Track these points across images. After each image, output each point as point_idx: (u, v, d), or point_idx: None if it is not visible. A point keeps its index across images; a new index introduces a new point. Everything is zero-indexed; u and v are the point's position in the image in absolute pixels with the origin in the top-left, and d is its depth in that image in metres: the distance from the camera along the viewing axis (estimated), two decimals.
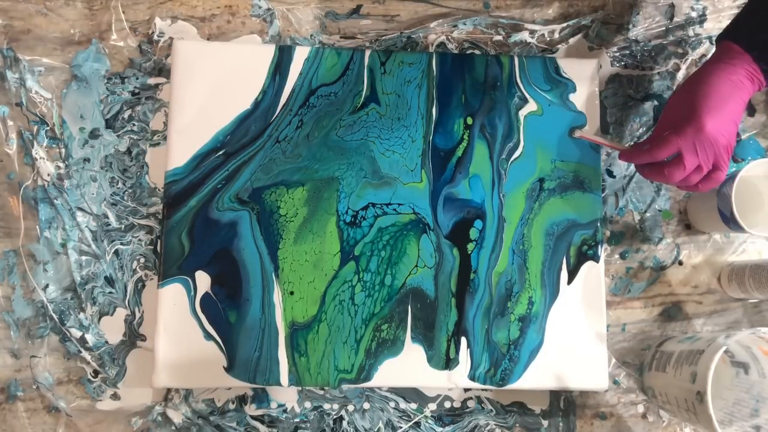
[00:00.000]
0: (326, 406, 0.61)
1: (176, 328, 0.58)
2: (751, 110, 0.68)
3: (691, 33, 0.68)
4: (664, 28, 0.68)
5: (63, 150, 0.62)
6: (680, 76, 0.68)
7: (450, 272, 0.60)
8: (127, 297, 0.61)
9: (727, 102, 0.52)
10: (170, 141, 0.61)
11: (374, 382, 0.59)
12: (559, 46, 0.67)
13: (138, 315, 0.61)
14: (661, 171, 0.54)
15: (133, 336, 0.61)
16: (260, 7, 0.66)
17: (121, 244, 0.62)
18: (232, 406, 0.61)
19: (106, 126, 0.63)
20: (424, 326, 0.60)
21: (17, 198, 0.62)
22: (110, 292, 0.61)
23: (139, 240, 0.62)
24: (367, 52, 0.64)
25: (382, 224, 0.61)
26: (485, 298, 0.60)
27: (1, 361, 0.60)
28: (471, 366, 0.59)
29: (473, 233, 0.61)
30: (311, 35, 0.66)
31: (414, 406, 0.62)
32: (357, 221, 0.61)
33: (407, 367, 0.59)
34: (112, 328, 0.61)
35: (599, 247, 0.62)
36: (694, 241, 0.66)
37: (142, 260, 0.62)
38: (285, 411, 0.61)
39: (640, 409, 0.63)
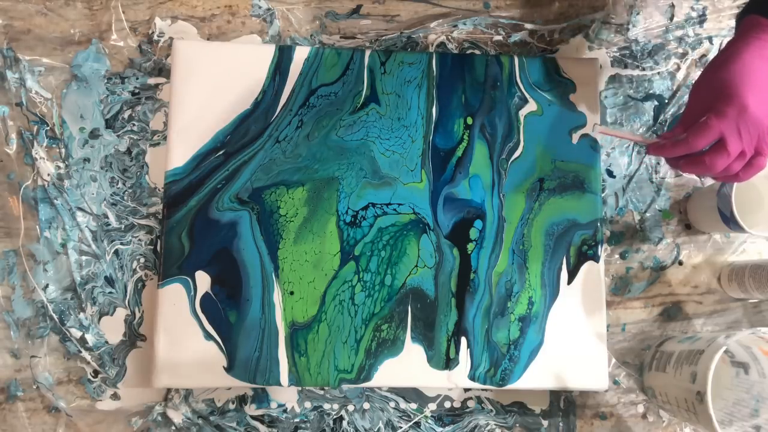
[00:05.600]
0: (326, 406, 0.61)
1: (176, 328, 0.58)
2: None
3: (691, 33, 0.68)
4: (664, 28, 0.68)
5: (63, 150, 0.62)
6: (680, 76, 0.68)
7: (450, 272, 0.60)
8: (127, 297, 0.61)
9: (765, 79, 0.47)
10: (170, 141, 0.61)
11: (374, 382, 0.59)
12: (559, 46, 0.67)
13: (138, 315, 0.61)
14: (700, 162, 0.49)
15: (133, 336, 0.61)
16: (260, 7, 0.66)
17: (121, 244, 0.62)
18: (232, 406, 0.61)
19: (106, 126, 0.63)
20: (424, 326, 0.60)
21: (17, 198, 0.62)
22: (110, 292, 0.61)
23: (139, 240, 0.62)
24: (367, 52, 0.64)
25: (382, 224, 0.61)
26: (485, 298, 0.60)
27: (1, 361, 0.60)
28: (471, 366, 0.59)
29: (473, 233, 0.61)
30: (311, 35, 0.66)
31: (414, 406, 0.62)
32: (357, 221, 0.61)
33: (407, 367, 0.59)
34: (112, 328, 0.61)
35: (599, 247, 0.62)
36: (694, 241, 0.66)
37: (142, 260, 0.62)
38: (285, 411, 0.61)
39: (640, 409, 0.63)
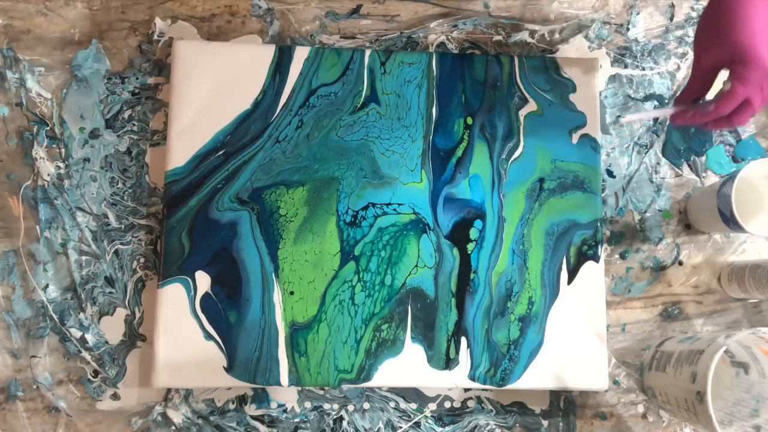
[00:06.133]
0: (326, 406, 0.61)
1: (176, 328, 0.58)
2: None
3: (691, 33, 0.68)
4: (664, 28, 0.68)
5: (63, 150, 0.62)
6: (680, 76, 0.68)
7: (450, 272, 0.60)
8: (127, 297, 0.61)
9: None
10: (170, 141, 0.61)
11: (374, 382, 0.59)
12: (559, 46, 0.67)
13: (138, 315, 0.61)
14: (728, 121, 0.51)
15: (133, 336, 0.61)
16: (260, 7, 0.66)
17: (121, 244, 0.62)
18: (232, 406, 0.61)
19: (106, 126, 0.63)
20: (424, 326, 0.60)
21: (17, 198, 0.62)
22: (110, 292, 0.61)
23: (139, 240, 0.62)
24: (367, 52, 0.64)
25: (382, 224, 0.61)
26: (485, 298, 0.60)
27: (1, 361, 0.60)
28: (471, 366, 0.59)
29: (473, 233, 0.61)
30: (311, 35, 0.66)
31: (414, 406, 0.62)
32: (357, 221, 0.61)
33: (407, 367, 0.59)
34: (112, 328, 0.61)
35: (599, 247, 0.62)
36: (694, 241, 0.66)
37: (142, 260, 0.62)
38: (285, 411, 0.61)
39: (640, 409, 0.63)
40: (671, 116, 0.55)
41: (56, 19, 0.64)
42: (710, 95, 0.53)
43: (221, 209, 0.60)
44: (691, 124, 0.54)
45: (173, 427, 0.60)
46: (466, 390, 0.62)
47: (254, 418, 0.61)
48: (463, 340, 0.60)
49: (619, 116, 0.63)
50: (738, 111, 0.50)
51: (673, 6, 0.69)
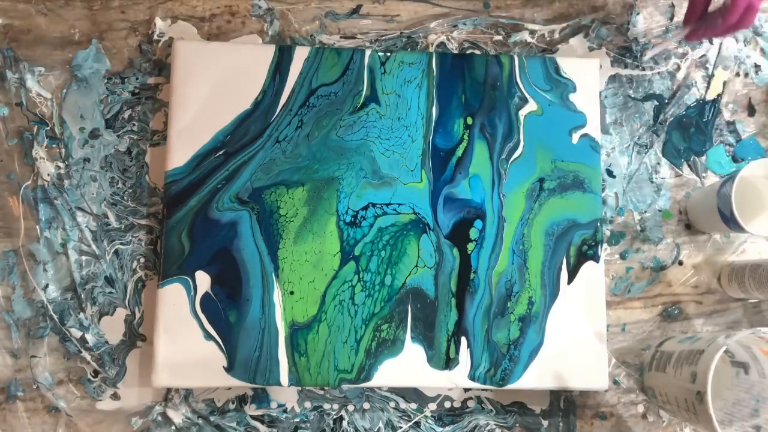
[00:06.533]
0: (326, 406, 0.61)
1: (176, 328, 0.58)
2: (751, 110, 0.68)
3: None
4: (664, 28, 0.68)
5: (63, 150, 0.62)
6: (680, 76, 0.68)
7: (450, 272, 0.60)
8: (127, 297, 0.61)
9: None
10: (170, 141, 0.61)
11: (374, 382, 0.59)
12: (559, 46, 0.67)
13: (138, 315, 0.61)
14: (737, 26, 0.56)
15: (133, 336, 0.61)
16: (260, 7, 0.66)
17: (121, 244, 0.62)
18: (232, 406, 0.61)
19: (106, 126, 0.63)
20: (424, 326, 0.60)
21: (17, 198, 0.62)
22: (110, 292, 0.61)
23: (139, 240, 0.62)
24: (367, 52, 0.64)
25: (382, 224, 0.61)
26: (485, 298, 0.60)
27: (1, 361, 0.60)
28: (471, 366, 0.59)
29: (473, 233, 0.61)
30: (311, 35, 0.66)
31: (414, 406, 0.62)
32: (357, 221, 0.61)
33: (407, 367, 0.59)
34: (112, 328, 0.61)
35: (599, 247, 0.62)
36: (694, 241, 0.66)
37: (142, 260, 0.62)
38: (285, 411, 0.61)
39: (640, 409, 0.63)
40: (685, 36, 0.60)
41: (56, 19, 0.64)
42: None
43: (221, 209, 0.60)
44: (705, 38, 0.62)
45: (173, 427, 0.60)
46: (466, 390, 0.62)
47: (254, 418, 0.61)
48: (463, 340, 0.60)
49: (645, 51, 0.67)
50: (745, 15, 0.55)
51: (673, 6, 0.69)
